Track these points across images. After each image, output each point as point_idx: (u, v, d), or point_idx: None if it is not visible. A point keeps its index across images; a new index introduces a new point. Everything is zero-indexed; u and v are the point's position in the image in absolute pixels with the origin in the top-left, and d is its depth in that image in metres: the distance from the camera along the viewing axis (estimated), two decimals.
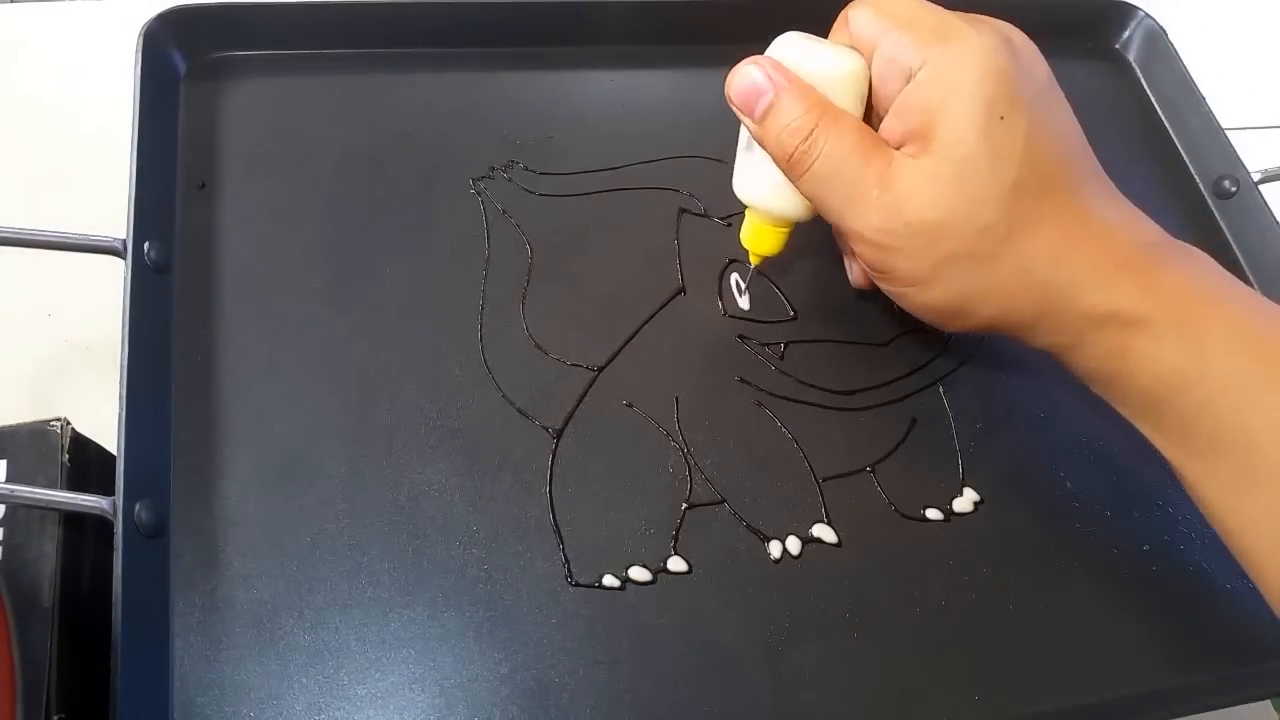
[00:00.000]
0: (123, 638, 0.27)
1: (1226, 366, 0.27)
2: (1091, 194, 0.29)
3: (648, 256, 0.38)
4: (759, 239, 0.34)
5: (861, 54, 0.30)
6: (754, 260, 0.35)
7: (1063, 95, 0.30)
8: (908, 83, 0.29)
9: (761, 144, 0.31)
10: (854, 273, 0.37)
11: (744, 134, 0.32)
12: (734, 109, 0.31)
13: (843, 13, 0.31)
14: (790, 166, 0.30)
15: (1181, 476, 0.29)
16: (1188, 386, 0.28)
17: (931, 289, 0.30)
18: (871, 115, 0.31)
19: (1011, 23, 0.49)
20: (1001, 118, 0.28)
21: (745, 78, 0.30)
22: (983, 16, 0.30)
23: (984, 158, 0.28)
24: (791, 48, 0.31)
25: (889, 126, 0.30)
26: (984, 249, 0.28)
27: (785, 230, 0.34)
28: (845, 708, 0.31)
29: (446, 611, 0.30)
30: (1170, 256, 0.29)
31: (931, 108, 0.28)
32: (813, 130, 0.29)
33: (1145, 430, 0.30)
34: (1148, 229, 0.30)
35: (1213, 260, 0.30)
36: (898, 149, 0.29)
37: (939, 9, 0.29)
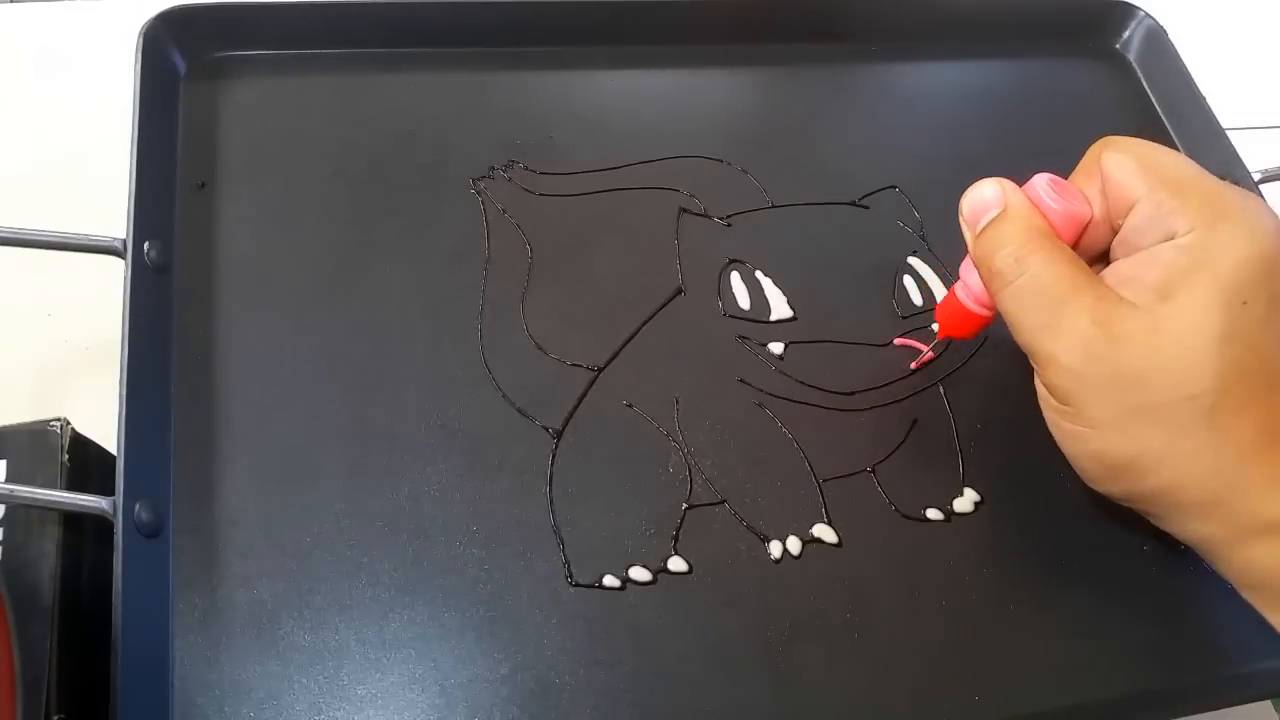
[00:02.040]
0: (123, 638, 0.27)
1: None
2: None
3: (648, 256, 0.38)
4: (957, 321, 0.33)
5: (1108, 201, 0.30)
6: (939, 336, 0.35)
7: None
8: (1163, 240, 0.28)
9: (972, 254, 0.31)
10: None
11: None
12: (962, 222, 0.31)
13: (1095, 151, 0.31)
14: (993, 276, 0.30)
15: None
16: None
17: (1109, 437, 0.28)
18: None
19: (1013, 21, 0.49)
20: (1245, 302, 0.27)
21: (980, 190, 0.30)
22: (1255, 196, 0.29)
23: (1214, 330, 0.27)
24: (1043, 182, 0.30)
25: (1125, 271, 0.29)
26: (1181, 415, 0.27)
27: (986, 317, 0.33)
28: (845, 708, 0.31)
29: (446, 612, 0.30)
30: None
31: (1180, 271, 0.27)
32: (1025, 245, 0.29)
33: None
34: None
35: None
36: (1115, 287, 0.29)
37: (1210, 177, 0.29)
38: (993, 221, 0.30)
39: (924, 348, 0.37)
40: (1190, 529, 0.29)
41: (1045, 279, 0.29)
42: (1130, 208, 0.29)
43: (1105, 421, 0.28)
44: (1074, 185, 0.31)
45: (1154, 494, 0.29)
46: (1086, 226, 0.30)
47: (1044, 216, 0.30)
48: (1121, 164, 0.29)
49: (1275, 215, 0.29)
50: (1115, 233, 0.30)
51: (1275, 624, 0.29)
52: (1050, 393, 0.30)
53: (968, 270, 0.32)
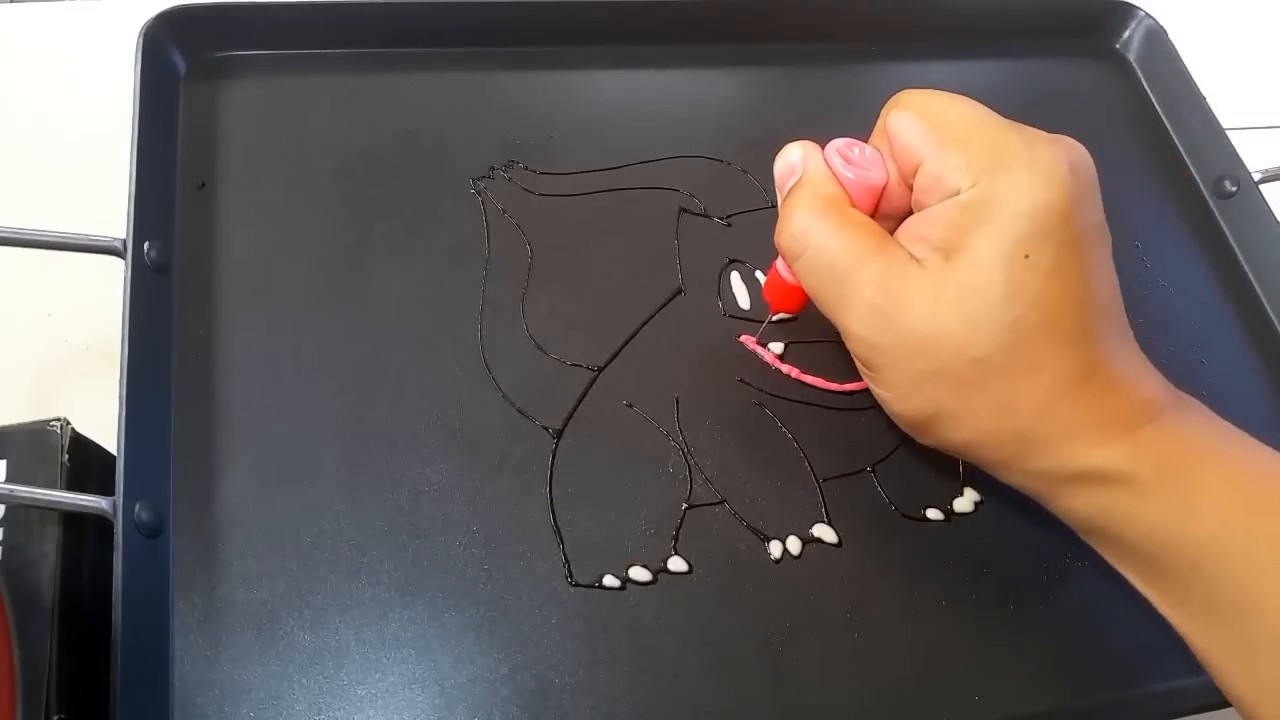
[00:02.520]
0: (123, 638, 0.27)
1: (1223, 526, 0.26)
2: (1107, 345, 0.28)
3: (648, 256, 0.38)
4: (781, 296, 0.33)
5: (898, 163, 0.29)
6: (772, 313, 0.35)
7: (1107, 238, 0.29)
8: (948, 198, 0.28)
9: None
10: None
11: None
12: (776, 182, 0.31)
13: (885, 109, 0.30)
14: (784, 250, 0.30)
15: (1184, 638, 0.28)
16: (1179, 546, 0.26)
17: (909, 399, 0.29)
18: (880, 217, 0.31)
19: (1013, 21, 0.49)
20: (1026, 256, 0.26)
21: (787, 155, 0.30)
22: (1053, 137, 0.28)
23: (995, 289, 0.26)
24: (836, 148, 0.30)
25: (914, 229, 0.29)
26: (969, 377, 0.27)
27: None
28: (845, 708, 0.31)
29: (446, 611, 0.30)
30: (1166, 413, 0.27)
31: (963, 227, 0.27)
32: (813, 217, 0.29)
33: (1141, 589, 0.28)
34: (1155, 385, 0.28)
35: (1214, 415, 0.28)
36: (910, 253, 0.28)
37: (996, 123, 0.28)
38: (793, 189, 0.30)
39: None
40: (1009, 481, 0.29)
41: (830, 250, 0.28)
42: (915, 166, 0.28)
43: (901, 384, 0.29)
44: (872, 148, 0.30)
45: (960, 449, 0.29)
46: (883, 191, 0.30)
47: (840, 184, 0.29)
48: (906, 123, 0.29)
49: (1069, 153, 0.28)
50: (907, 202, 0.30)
51: (1116, 566, 0.29)
52: (856, 359, 0.30)
53: None
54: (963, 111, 0.28)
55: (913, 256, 0.28)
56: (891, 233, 0.29)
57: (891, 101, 0.30)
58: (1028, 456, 0.28)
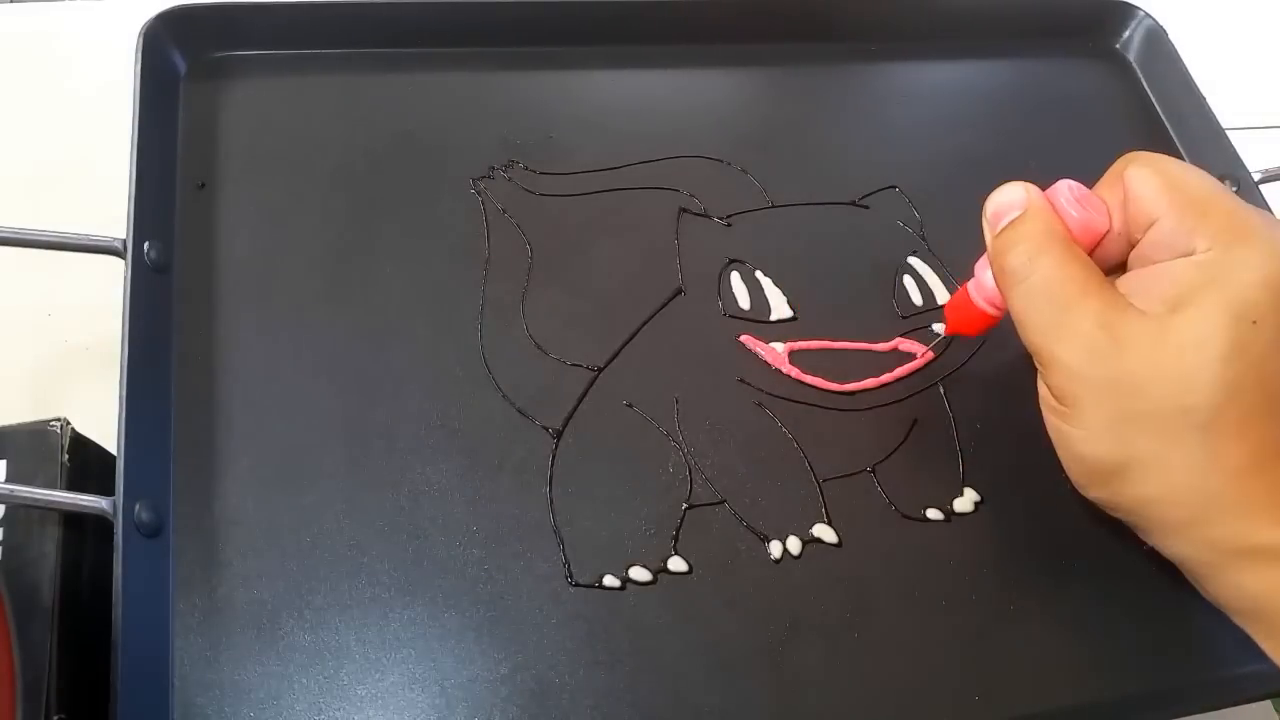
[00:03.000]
0: (123, 638, 0.27)
1: None
2: None
3: (648, 256, 0.38)
4: (965, 319, 0.34)
5: (1128, 216, 0.30)
6: (947, 333, 0.35)
7: None
8: (1180, 257, 0.28)
9: (989, 252, 0.31)
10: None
11: None
12: (984, 222, 0.31)
13: (1121, 164, 0.30)
14: (1005, 275, 0.30)
15: None
16: None
17: (1102, 440, 0.28)
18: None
19: (1013, 21, 0.49)
20: (1254, 321, 0.27)
21: (1005, 193, 0.30)
22: (1272, 218, 0.29)
23: (1218, 345, 0.26)
24: (1064, 187, 0.30)
25: (1138, 281, 0.29)
26: (1175, 426, 0.27)
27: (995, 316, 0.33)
28: (845, 708, 0.31)
29: (447, 612, 0.30)
30: None
31: (1193, 285, 0.27)
32: (1039, 246, 0.29)
33: None
34: None
35: None
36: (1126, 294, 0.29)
37: (1234, 198, 0.29)
38: (1012, 224, 0.30)
39: (924, 347, 0.37)
40: (1175, 547, 0.29)
41: (1055, 279, 0.28)
42: (1151, 223, 0.29)
43: (1100, 424, 0.28)
44: (1096, 195, 0.31)
45: (1139, 504, 0.29)
46: (1103, 238, 0.30)
47: (1062, 222, 0.30)
48: (1146, 179, 0.29)
49: None
50: (1132, 247, 0.30)
51: (1267, 651, 0.28)
52: (1051, 393, 0.30)
53: (982, 268, 0.32)
54: (1203, 179, 0.29)
55: (1131, 304, 0.28)
56: None
57: (1129, 157, 0.30)
58: (1208, 521, 0.28)
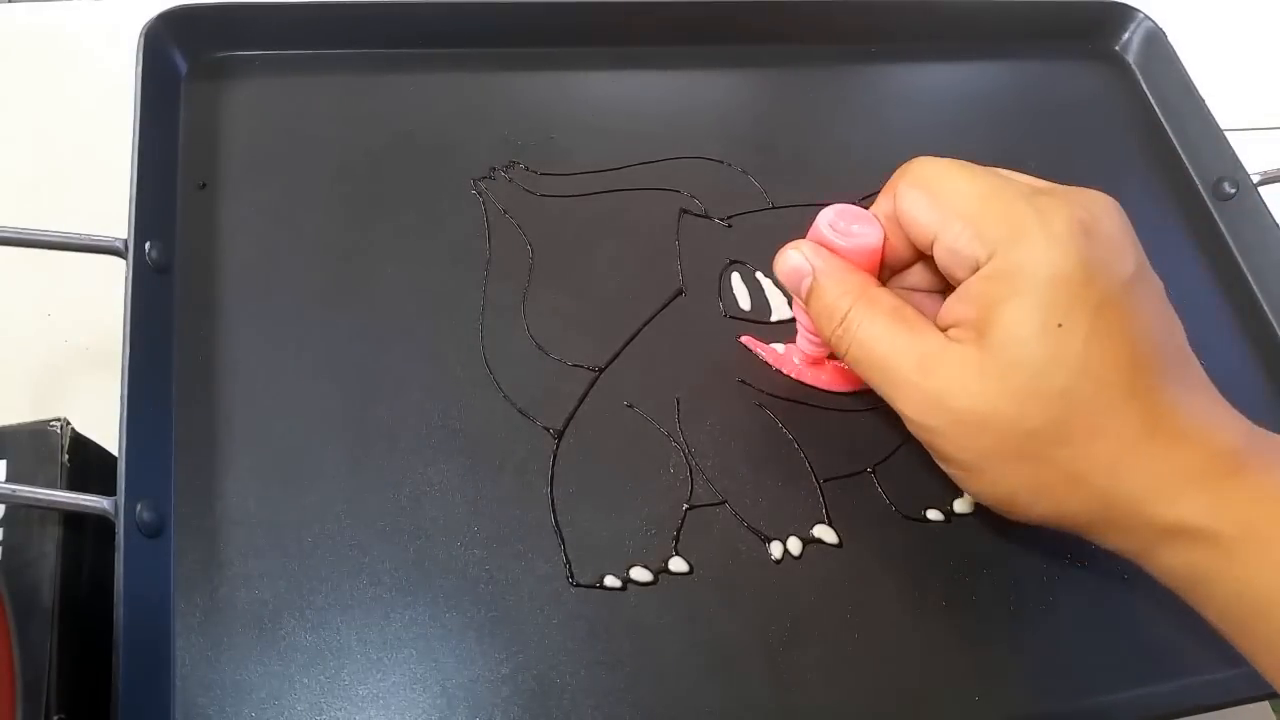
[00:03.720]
0: (123, 638, 0.27)
1: None
2: (1168, 396, 0.27)
3: (648, 257, 0.38)
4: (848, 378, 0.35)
5: (911, 236, 0.30)
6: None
7: (1153, 283, 0.28)
8: (973, 271, 0.28)
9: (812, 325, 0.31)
10: None
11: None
12: (783, 285, 0.32)
13: (896, 177, 0.30)
14: (833, 348, 0.30)
15: None
16: (1271, 610, 0.25)
17: (980, 479, 0.28)
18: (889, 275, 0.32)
19: (1012, 23, 0.49)
20: (1060, 325, 0.26)
21: (787, 261, 0.31)
22: (1068, 191, 0.28)
23: (1035, 362, 0.26)
24: (826, 220, 0.31)
25: (948, 307, 0.29)
26: (1030, 450, 0.27)
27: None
28: (845, 708, 0.31)
29: (448, 612, 0.30)
30: (1251, 463, 0.26)
31: (990, 303, 0.27)
32: (847, 314, 0.29)
33: (1239, 648, 0.27)
34: (1232, 431, 0.27)
35: None
36: (947, 327, 0.29)
37: (1004, 191, 0.28)
38: (812, 291, 0.30)
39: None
40: (1106, 546, 0.29)
41: (869, 343, 0.29)
42: (929, 241, 0.29)
43: (969, 464, 0.28)
44: (862, 212, 0.31)
45: (1047, 521, 0.29)
46: (883, 249, 0.30)
47: (840, 253, 0.30)
48: (913, 199, 0.29)
49: (1084, 210, 0.27)
50: (917, 250, 0.31)
51: (1215, 627, 0.28)
52: (925, 447, 0.30)
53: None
54: (970, 182, 0.28)
55: (950, 339, 0.28)
56: (885, 282, 0.30)
57: (901, 170, 0.30)
58: (1113, 520, 0.27)
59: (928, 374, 0.28)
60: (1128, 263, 0.27)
